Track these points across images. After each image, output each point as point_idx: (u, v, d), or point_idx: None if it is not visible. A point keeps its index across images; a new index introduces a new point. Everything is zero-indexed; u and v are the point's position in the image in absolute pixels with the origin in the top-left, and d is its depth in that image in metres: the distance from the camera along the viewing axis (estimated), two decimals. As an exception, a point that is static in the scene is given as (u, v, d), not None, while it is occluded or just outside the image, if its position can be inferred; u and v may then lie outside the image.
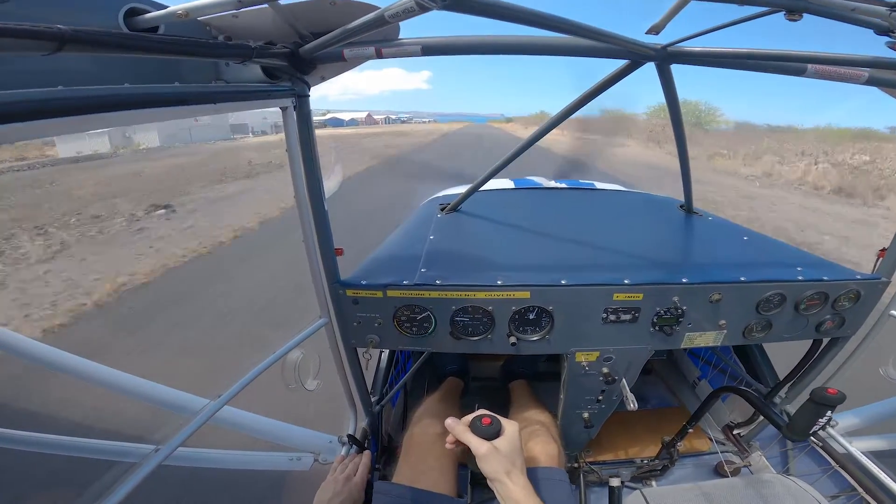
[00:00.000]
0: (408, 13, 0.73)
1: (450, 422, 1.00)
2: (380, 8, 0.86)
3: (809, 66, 1.03)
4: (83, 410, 3.16)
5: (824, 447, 1.58)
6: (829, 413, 1.16)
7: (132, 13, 0.82)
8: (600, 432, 1.78)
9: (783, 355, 1.79)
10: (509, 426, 1.00)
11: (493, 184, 2.41)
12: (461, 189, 2.03)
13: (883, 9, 0.77)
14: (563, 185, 2.55)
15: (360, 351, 1.49)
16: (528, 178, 2.76)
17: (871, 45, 1.01)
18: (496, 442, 0.95)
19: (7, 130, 0.56)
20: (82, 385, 0.97)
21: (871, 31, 0.84)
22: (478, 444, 0.94)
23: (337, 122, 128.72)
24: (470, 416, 1.00)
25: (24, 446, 0.92)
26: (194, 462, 1.39)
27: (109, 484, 0.77)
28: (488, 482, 0.96)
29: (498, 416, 1.00)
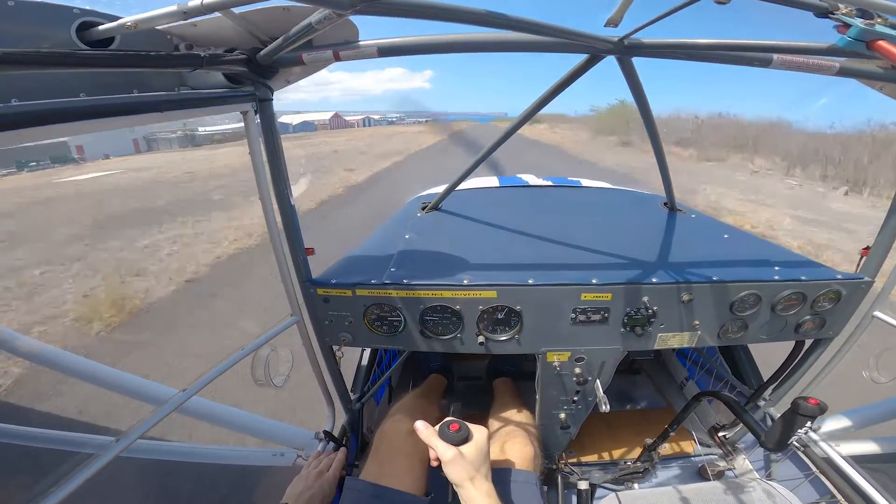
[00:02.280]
0: (329, 20, 0.75)
1: (419, 425, 1.02)
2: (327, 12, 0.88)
3: (775, 56, 1.00)
4: (46, 399, 3.24)
5: (806, 452, 1.54)
6: (808, 423, 1.13)
7: (85, 26, 0.85)
8: (584, 433, 1.77)
9: (772, 356, 1.75)
10: (477, 433, 1.02)
11: (478, 182, 2.40)
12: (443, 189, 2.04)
13: None
14: (549, 183, 2.52)
15: (334, 349, 1.52)
16: (516, 175, 2.75)
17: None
18: (462, 448, 0.97)
19: None
20: (47, 373, 1.02)
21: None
22: (444, 450, 0.96)
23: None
24: (441, 423, 1.03)
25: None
26: (178, 456, 1.45)
27: (64, 474, 0.81)
28: (454, 487, 0.98)
29: (467, 423, 1.02)
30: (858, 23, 0.73)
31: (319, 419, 1.75)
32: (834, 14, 0.75)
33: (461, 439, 0.98)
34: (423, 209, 1.94)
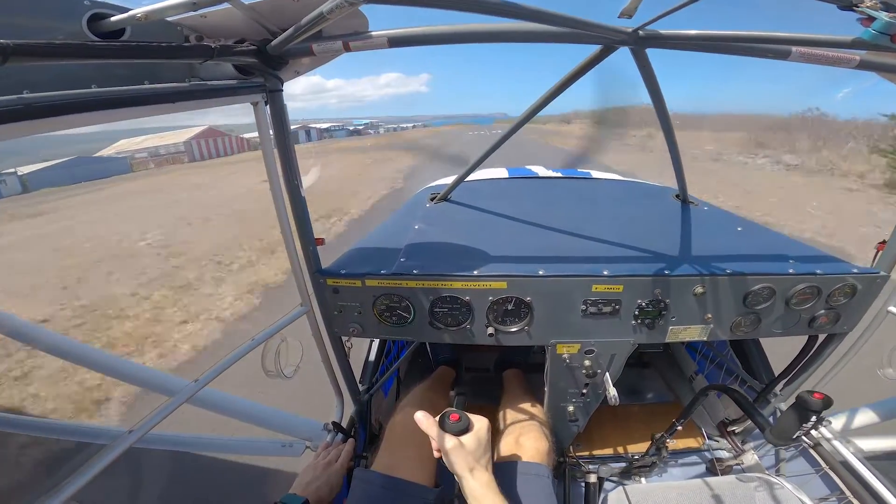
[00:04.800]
0: (341, 9, 0.74)
1: (419, 416, 1.03)
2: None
3: (794, 48, 0.98)
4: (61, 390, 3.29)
5: (816, 448, 1.53)
6: (814, 418, 1.13)
7: (96, 17, 0.85)
8: (592, 426, 1.77)
9: (785, 350, 1.73)
10: (477, 422, 1.02)
11: (488, 173, 2.39)
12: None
13: None
14: (558, 175, 2.50)
15: (343, 340, 1.53)
16: (525, 167, 2.72)
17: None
18: (463, 438, 0.98)
19: None
20: (62, 364, 1.02)
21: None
22: (444, 440, 0.97)
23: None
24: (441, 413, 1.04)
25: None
26: (186, 446, 1.46)
27: (77, 465, 0.82)
28: (455, 477, 0.99)
29: (467, 414, 1.02)
30: (883, 16, 0.71)
31: (326, 409, 1.76)
32: (858, 7, 0.73)
33: (461, 429, 0.99)
34: (433, 200, 1.93)
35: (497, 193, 2.12)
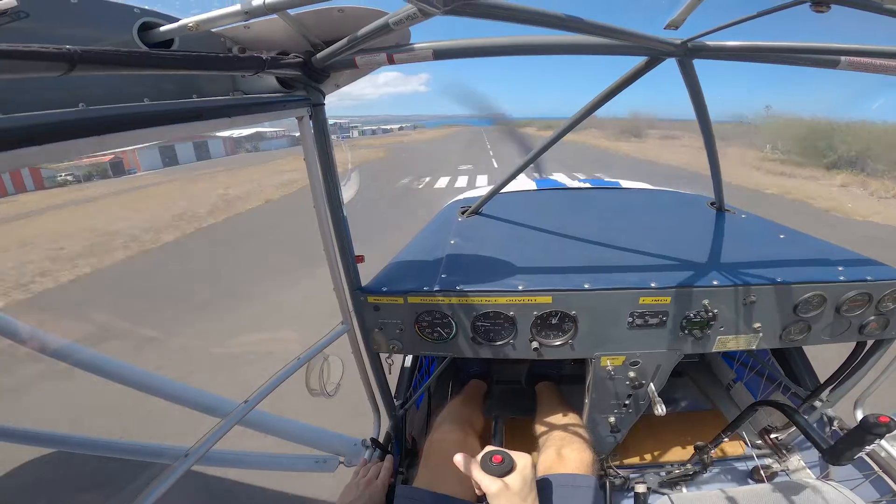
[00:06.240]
0: (411, 19, 0.72)
1: (458, 459, 0.99)
2: (386, 13, 0.85)
3: (843, 58, 0.98)
4: (119, 411, 3.29)
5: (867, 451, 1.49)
6: (876, 441, 1.09)
7: (146, 27, 0.83)
8: (627, 436, 1.73)
9: (824, 356, 1.69)
10: (521, 460, 0.97)
11: (515, 185, 2.36)
12: (483, 191, 2.00)
13: None
14: (588, 185, 2.46)
15: (383, 356, 1.50)
16: (551, 177, 2.69)
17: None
18: (507, 479, 0.93)
19: (26, 154, 0.56)
20: (116, 387, 1.01)
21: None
22: (488, 483, 0.93)
23: None
24: (481, 453, 0.99)
25: (58, 446, 0.97)
26: (222, 463, 1.43)
27: (142, 487, 0.80)
28: None
29: (509, 452, 0.98)
30: None
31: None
32: None
33: (505, 470, 0.94)
34: (464, 213, 1.90)
35: (527, 205, 2.09)
